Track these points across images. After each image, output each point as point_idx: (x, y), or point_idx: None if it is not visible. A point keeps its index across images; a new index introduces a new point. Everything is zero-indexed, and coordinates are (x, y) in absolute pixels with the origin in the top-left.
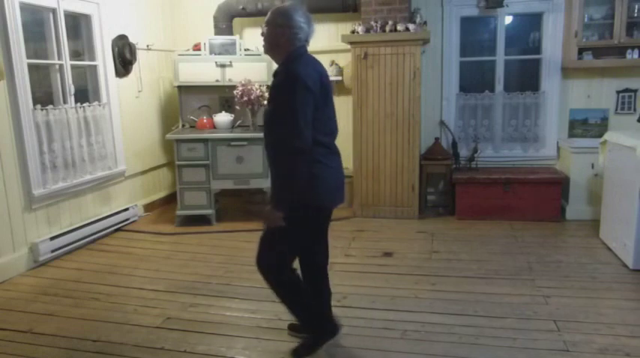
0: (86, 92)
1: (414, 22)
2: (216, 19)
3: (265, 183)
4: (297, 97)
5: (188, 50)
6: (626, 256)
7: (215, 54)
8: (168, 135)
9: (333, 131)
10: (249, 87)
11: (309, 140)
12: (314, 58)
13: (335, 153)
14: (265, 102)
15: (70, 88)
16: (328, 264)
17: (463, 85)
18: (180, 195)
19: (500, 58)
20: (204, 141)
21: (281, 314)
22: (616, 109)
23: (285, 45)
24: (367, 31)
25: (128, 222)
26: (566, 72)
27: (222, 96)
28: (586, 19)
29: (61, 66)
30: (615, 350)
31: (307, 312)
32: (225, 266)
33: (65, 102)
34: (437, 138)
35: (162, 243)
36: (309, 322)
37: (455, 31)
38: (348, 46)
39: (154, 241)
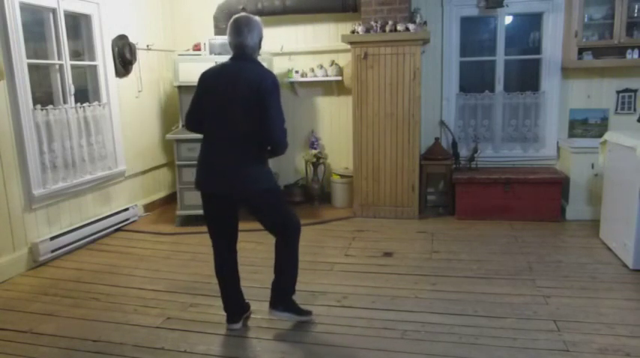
0: (86, 92)
1: (414, 22)
2: (216, 19)
3: None
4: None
5: (188, 50)
6: (626, 256)
7: (215, 54)
8: (169, 135)
9: (216, 125)
10: None
11: (186, 121)
12: (237, 65)
13: (212, 142)
14: None
15: (70, 88)
16: (233, 253)
17: (463, 85)
18: (180, 195)
19: (500, 58)
20: None
21: None
22: (616, 109)
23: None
24: (367, 31)
25: (128, 222)
26: (566, 72)
27: None
28: (586, 19)
29: (61, 66)
30: (615, 350)
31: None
32: None
33: (65, 102)
34: (437, 138)
35: (162, 243)
36: None
37: (455, 31)
38: (348, 46)
39: (154, 241)
